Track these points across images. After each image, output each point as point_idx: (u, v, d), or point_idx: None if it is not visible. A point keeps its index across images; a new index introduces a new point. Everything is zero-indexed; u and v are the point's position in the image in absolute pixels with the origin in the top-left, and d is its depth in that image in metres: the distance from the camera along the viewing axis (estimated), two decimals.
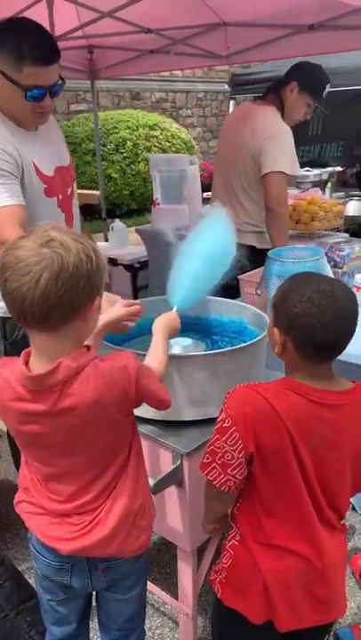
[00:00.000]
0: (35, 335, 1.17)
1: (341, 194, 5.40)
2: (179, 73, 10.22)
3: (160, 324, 1.52)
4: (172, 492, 1.66)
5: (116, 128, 8.40)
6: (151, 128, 8.77)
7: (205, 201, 4.71)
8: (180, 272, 1.66)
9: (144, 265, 4.18)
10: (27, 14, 2.84)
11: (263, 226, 2.98)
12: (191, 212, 4.28)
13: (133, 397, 1.21)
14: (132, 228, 4.59)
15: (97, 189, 5.97)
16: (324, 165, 6.34)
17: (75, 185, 2.16)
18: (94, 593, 1.48)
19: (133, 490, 1.30)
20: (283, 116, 2.85)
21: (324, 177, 5.53)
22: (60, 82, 1.83)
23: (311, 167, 5.77)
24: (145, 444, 1.55)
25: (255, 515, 1.31)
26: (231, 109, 6.10)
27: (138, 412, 1.32)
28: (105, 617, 1.50)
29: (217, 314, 2.03)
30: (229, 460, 1.25)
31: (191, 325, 1.88)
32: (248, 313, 1.96)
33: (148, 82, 9.73)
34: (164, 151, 8.62)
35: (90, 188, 7.29)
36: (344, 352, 1.26)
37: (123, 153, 8.33)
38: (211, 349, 1.90)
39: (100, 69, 4.26)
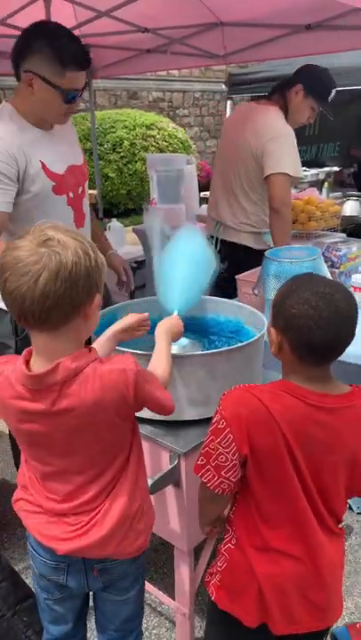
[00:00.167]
0: (35, 335, 1.17)
1: (338, 194, 5.41)
2: (176, 72, 10.22)
3: (163, 329, 1.52)
4: (169, 492, 1.66)
5: (113, 127, 8.39)
6: (148, 128, 8.76)
7: (203, 200, 4.71)
8: (170, 278, 1.66)
9: (141, 264, 4.17)
10: (24, 13, 2.84)
11: (261, 227, 2.98)
12: (188, 211, 4.29)
13: (132, 402, 1.20)
14: (130, 228, 4.58)
15: (94, 189, 5.96)
16: (322, 165, 6.36)
17: (86, 184, 2.18)
18: (92, 593, 1.48)
19: (132, 492, 1.30)
20: (286, 117, 2.84)
21: (322, 177, 5.55)
22: (83, 88, 1.93)
23: (308, 167, 5.79)
24: (142, 443, 1.55)
25: (251, 518, 1.31)
26: (228, 109, 6.10)
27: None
28: (102, 617, 1.50)
29: (214, 313, 2.03)
30: (223, 462, 1.24)
31: (188, 325, 1.88)
32: (245, 313, 1.96)
33: (146, 81, 9.72)
34: (161, 151, 8.61)
35: None
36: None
37: (120, 152, 8.32)
38: (208, 349, 1.90)
39: (98, 69, 4.25)
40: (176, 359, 1.57)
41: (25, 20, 2.91)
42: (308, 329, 1.18)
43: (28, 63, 1.83)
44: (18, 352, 1.29)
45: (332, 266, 2.63)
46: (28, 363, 1.21)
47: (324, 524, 1.30)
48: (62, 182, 2.01)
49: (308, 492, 1.25)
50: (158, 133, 8.85)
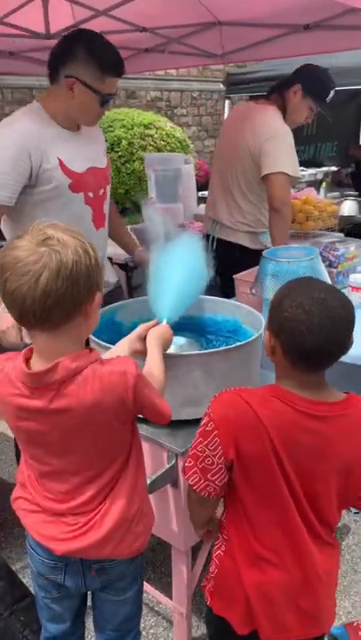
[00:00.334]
0: (36, 335, 1.17)
1: (336, 194, 5.41)
2: (174, 72, 10.20)
3: (155, 336, 1.50)
4: (167, 492, 1.66)
5: (110, 127, 8.36)
6: (146, 127, 8.74)
7: (201, 200, 4.71)
8: (163, 286, 1.66)
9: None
10: (22, 11, 2.83)
11: (257, 226, 2.98)
12: (186, 210, 4.29)
13: (131, 405, 1.20)
14: (128, 227, 4.57)
15: None
16: (319, 165, 6.35)
17: (108, 187, 2.24)
18: (90, 592, 1.48)
19: (131, 494, 1.29)
20: (285, 117, 2.83)
21: (319, 177, 5.55)
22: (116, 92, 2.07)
23: (306, 167, 5.78)
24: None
25: (241, 524, 1.29)
26: (226, 109, 6.10)
27: None
28: (100, 617, 1.50)
29: (211, 313, 2.03)
30: (209, 465, 1.23)
31: (185, 325, 1.88)
32: (243, 312, 1.96)
33: (143, 80, 9.70)
34: (159, 150, 8.60)
35: None
36: None
37: (118, 152, 8.30)
38: (205, 349, 1.90)
39: None
40: (173, 359, 1.57)
41: (23, 18, 2.93)
42: (300, 333, 1.17)
43: (70, 68, 1.95)
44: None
45: (329, 265, 2.63)
46: (28, 361, 1.21)
47: (315, 532, 1.27)
48: (80, 181, 2.06)
49: (296, 499, 1.23)
50: (156, 133, 8.83)
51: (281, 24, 3.16)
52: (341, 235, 3.66)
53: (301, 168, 5.55)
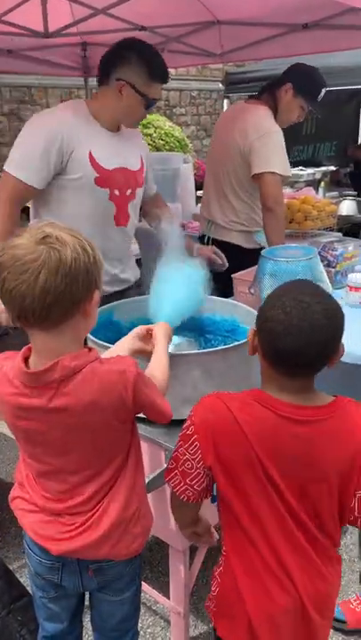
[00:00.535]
0: (34, 334, 1.17)
1: (335, 193, 5.41)
2: (172, 71, 10.19)
3: (162, 333, 1.50)
4: (164, 491, 1.65)
5: None
6: (145, 126, 8.72)
7: (199, 199, 4.70)
8: (163, 296, 1.68)
9: (137, 263, 4.15)
10: (21, 10, 2.83)
11: (251, 226, 2.99)
12: (184, 210, 4.28)
13: (131, 405, 1.20)
14: None
15: None
16: (318, 165, 6.35)
17: (139, 191, 2.30)
18: (87, 592, 1.47)
19: (129, 495, 1.29)
20: (276, 116, 2.84)
21: (318, 176, 5.55)
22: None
23: (305, 166, 5.78)
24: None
25: (238, 539, 1.25)
26: (225, 108, 6.10)
27: None
28: (97, 617, 1.49)
29: (210, 312, 2.02)
30: (189, 468, 1.22)
31: (184, 324, 1.88)
32: (241, 312, 1.96)
33: None
34: (157, 149, 8.59)
35: None
36: None
37: None
38: (203, 348, 1.90)
39: (94, 66, 4.20)
40: (172, 358, 1.56)
41: (21, 17, 2.93)
42: (277, 334, 1.14)
43: (121, 72, 2.07)
44: None
45: (328, 265, 2.63)
46: (26, 359, 1.20)
47: (321, 546, 1.22)
48: (107, 177, 2.13)
49: (291, 510, 1.19)
50: (155, 132, 8.82)
51: (280, 23, 3.16)
52: (340, 234, 3.66)
53: (300, 167, 5.56)
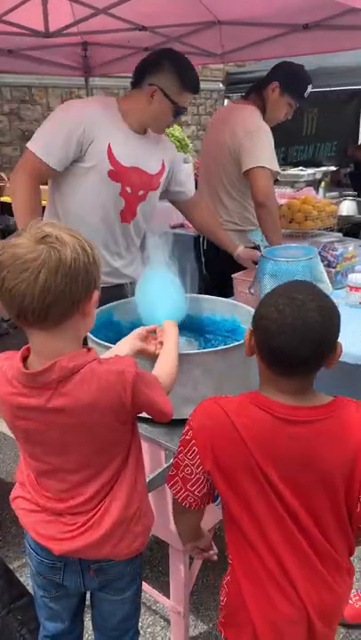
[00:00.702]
0: (33, 334, 1.17)
1: (335, 193, 5.40)
2: None
3: (169, 330, 1.50)
4: (165, 491, 1.65)
5: None
6: None
7: None
8: (157, 299, 1.68)
9: None
10: (21, 9, 2.83)
11: (244, 225, 3.01)
12: None
13: (129, 406, 1.20)
14: None
15: None
16: (318, 165, 6.34)
17: (152, 194, 2.33)
18: (88, 592, 1.48)
19: (130, 494, 1.29)
20: (264, 115, 2.88)
21: (318, 176, 5.53)
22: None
23: (305, 166, 5.77)
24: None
25: (240, 544, 1.23)
26: None
27: None
28: (98, 617, 1.50)
29: (210, 312, 2.03)
30: (189, 474, 1.21)
31: (184, 324, 1.88)
32: (241, 312, 1.96)
33: None
34: None
35: None
36: None
37: None
38: (204, 348, 1.90)
39: (95, 66, 4.24)
40: None
41: (22, 16, 2.93)
42: (270, 333, 1.12)
43: (154, 78, 2.14)
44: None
45: (328, 265, 2.63)
46: (25, 359, 1.20)
47: (327, 553, 1.19)
48: (121, 172, 2.18)
49: (293, 515, 1.16)
50: None
51: (281, 23, 3.16)
52: (340, 234, 3.66)
53: (300, 168, 5.56)
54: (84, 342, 1.40)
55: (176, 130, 9.17)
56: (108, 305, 1.92)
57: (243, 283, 2.53)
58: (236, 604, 1.25)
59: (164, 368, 1.39)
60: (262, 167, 2.72)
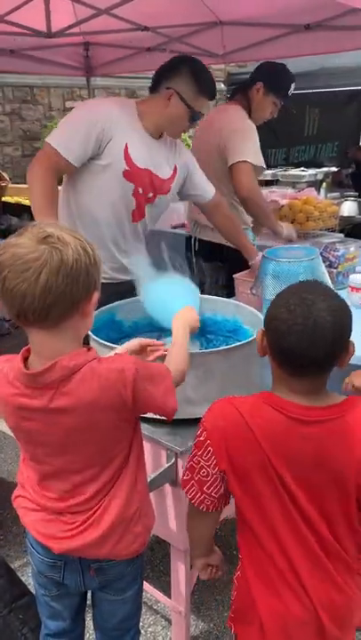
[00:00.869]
0: (33, 333, 1.17)
1: (336, 194, 5.40)
2: None
3: (180, 322, 1.50)
4: (166, 491, 1.66)
5: None
6: None
7: None
8: (170, 294, 1.72)
9: None
10: (24, 9, 2.84)
11: None
12: (186, 209, 4.27)
13: (131, 403, 1.19)
14: None
15: None
16: (320, 165, 6.34)
17: (161, 197, 2.35)
18: (90, 591, 1.48)
19: (130, 494, 1.29)
20: (250, 115, 2.93)
21: (320, 177, 5.53)
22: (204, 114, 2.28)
23: (306, 167, 5.77)
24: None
25: (253, 545, 1.23)
26: None
27: None
28: (99, 616, 1.50)
29: (211, 313, 2.03)
30: (205, 476, 1.21)
31: None
32: (243, 312, 1.96)
33: (145, 80, 9.69)
34: None
35: None
36: None
37: None
38: (205, 348, 1.90)
39: (96, 66, 4.25)
40: None
41: (24, 17, 2.93)
42: (281, 333, 1.12)
43: (172, 82, 2.17)
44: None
45: (329, 266, 2.63)
46: (26, 360, 1.20)
47: (336, 554, 1.19)
48: (136, 173, 2.21)
49: (304, 515, 1.16)
50: None
51: (282, 24, 3.17)
52: (341, 235, 3.66)
53: (302, 168, 5.55)
54: (87, 342, 1.40)
55: None
56: (110, 305, 1.92)
57: (244, 283, 2.53)
58: (246, 601, 1.26)
59: (170, 363, 1.37)
60: (245, 162, 2.78)
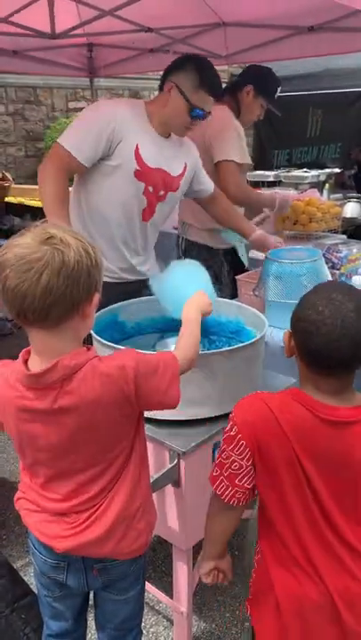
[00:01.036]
0: (34, 333, 1.18)
1: (339, 195, 5.40)
2: None
3: (192, 306, 1.48)
4: (168, 491, 1.66)
5: None
6: None
7: None
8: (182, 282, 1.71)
9: None
10: (28, 11, 2.84)
11: (215, 224, 3.00)
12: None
13: (134, 398, 1.20)
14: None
15: None
16: (322, 167, 6.34)
17: (171, 195, 2.37)
18: (92, 591, 1.48)
19: (133, 490, 1.29)
20: (239, 117, 2.96)
21: (322, 178, 5.53)
22: (208, 112, 2.24)
23: (309, 168, 5.78)
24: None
25: (274, 532, 1.25)
26: None
27: None
28: (101, 616, 1.50)
29: (214, 314, 2.03)
30: (237, 469, 1.22)
31: None
32: (246, 313, 1.96)
33: (148, 80, 9.70)
34: None
35: None
36: None
37: None
38: (208, 349, 1.90)
39: (100, 67, 4.25)
40: None
41: (28, 17, 2.94)
42: (309, 334, 1.14)
43: (174, 76, 2.18)
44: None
45: (332, 267, 2.63)
46: (26, 362, 1.21)
47: (355, 549, 1.21)
48: (146, 172, 2.23)
49: (323, 510, 1.19)
50: None
51: (285, 25, 3.17)
52: (344, 236, 3.66)
53: (304, 169, 5.56)
54: (90, 343, 1.40)
55: None
56: (112, 306, 1.92)
57: (247, 284, 2.53)
58: (264, 583, 1.28)
59: (184, 353, 1.36)
60: (229, 160, 2.82)
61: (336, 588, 1.20)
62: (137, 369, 1.20)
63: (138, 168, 2.19)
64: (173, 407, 1.29)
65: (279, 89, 2.99)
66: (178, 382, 1.27)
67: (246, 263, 3.04)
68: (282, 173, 5.57)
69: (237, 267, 3.00)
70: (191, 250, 3.08)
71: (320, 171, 5.64)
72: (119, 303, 1.97)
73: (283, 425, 1.17)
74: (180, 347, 1.38)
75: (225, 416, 1.69)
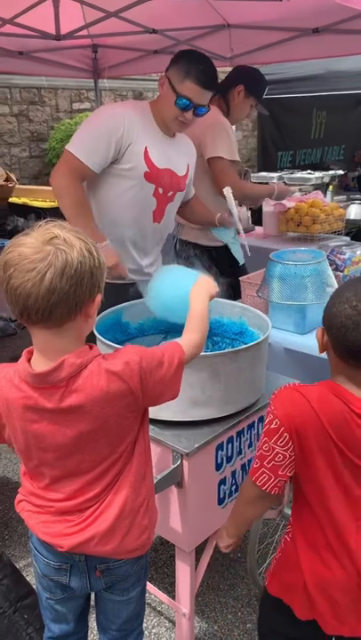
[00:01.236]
0: (36, 333, 1.18)
1: (343, 197, 5.40)
2: None
3: (197, 291, 1.46)
4: (171, 492, 1.66)
5: None
6: None
7: None
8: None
9: None
10: (33, 12, 2.85)
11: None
12: None
13: (139, 394, 1.21)
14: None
15: None
16: (326, 169, 6.35)
17: (179, 195, 2.42)
18: (93, 593, 1.48)
19: (137, 485, 1.30)
20: (228, 116, 2.99)
21: (326, 180, 5.52)
22: (206, 108, 2.25)
23: (313, 170, 5.77)
24: None
25: (307, 516, 1.31)
26: None
27: None
28: (103, 617, 1.50)
29: (218, 315, 2.04)
30: (280, 460, 1.25)
31: None
32: (249, 314, 1.97)
33: (151, 82, 9.72)
34: None
35: None
36: None
37: None
38: (211, 350, 1.91)
39: (104, 68, 4.25)
40: None
41: (33, 19, 2.95)
42: (346, 328, 1.18)
43: (168, 71, 2.23)
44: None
45: (336, 269, 2.63)
46: (29, 362, 1.21)
47: None
48: (156, 174, 2.27)
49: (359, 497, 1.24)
50: None
51: (290, 27, 3.17)
52: (348, 238, 3.66)
53: (308, 171, 5.55)
54: (94, 342, 1.40)
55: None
56: (116, 307, 1.93)
57: (250, 286, 2.53)
58: (291, 561, 1.33)
59: (191, 337, 1.36)
60: (221, 157, 2.85)
61: None
62: (140, 363, 1.21)
63: (147, 170, 2.22)
64: (174, 398, 1.30)
65: (266, 89, 3.06)
66: (182, 372, 1.28)
67: (241, 260, 3.06)
68: (285, 175, 5.57)
69: (233, 264, 3.02)
70: (185, 248, 3.09)
71: (324, 172, 5.64)
72: (122, 304, 1.97)
73: (321, 417, 1.20)
74: (188, 329, 1.37)
75: (228, 417, 1.70)
